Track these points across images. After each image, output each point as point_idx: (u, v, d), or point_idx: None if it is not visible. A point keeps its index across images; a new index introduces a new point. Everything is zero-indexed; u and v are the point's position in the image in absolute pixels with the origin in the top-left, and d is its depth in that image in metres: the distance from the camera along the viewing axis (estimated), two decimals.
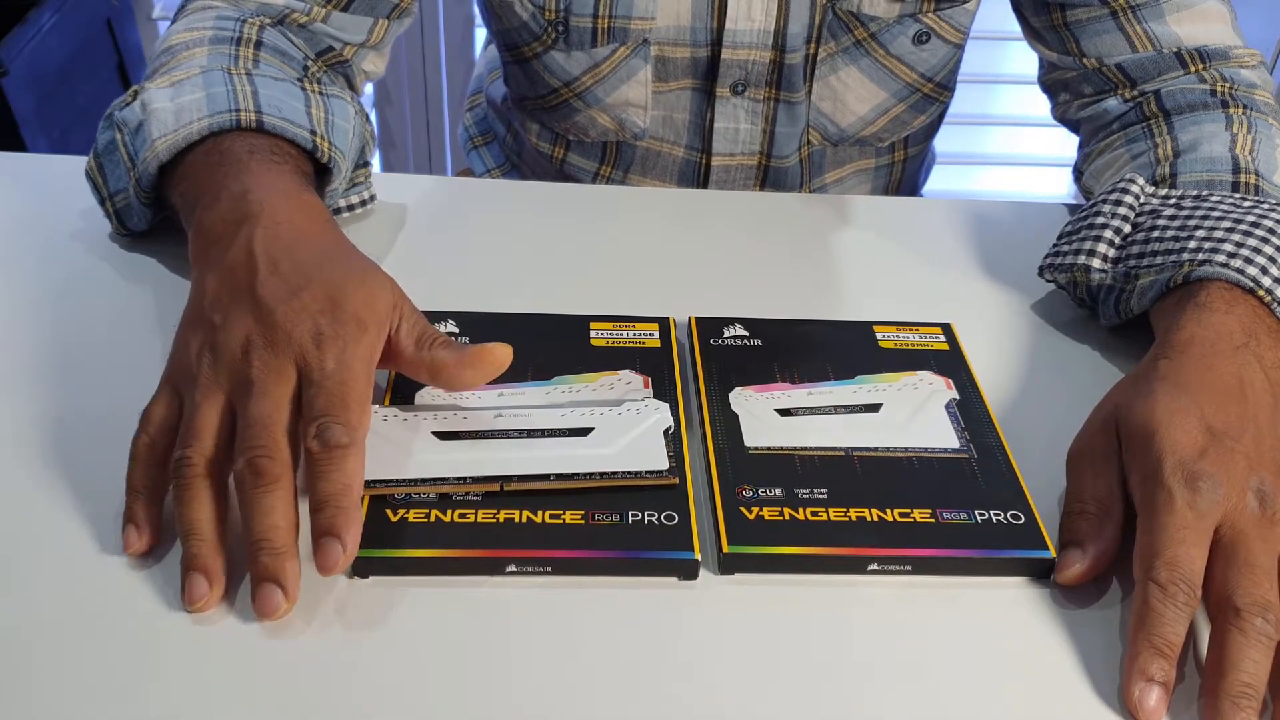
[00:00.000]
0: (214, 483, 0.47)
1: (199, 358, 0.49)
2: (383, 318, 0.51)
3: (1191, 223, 0.62)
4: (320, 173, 0.66)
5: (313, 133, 0.64)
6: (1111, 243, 0.64)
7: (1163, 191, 0.66)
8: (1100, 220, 0.65)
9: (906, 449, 0.54)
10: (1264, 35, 1.69)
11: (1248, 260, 0.58)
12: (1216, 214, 0.61)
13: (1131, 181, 0.66)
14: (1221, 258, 0.58)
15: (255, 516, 0.45)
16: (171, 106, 0.62)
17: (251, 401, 0.47)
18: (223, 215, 0.55)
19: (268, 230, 0.54)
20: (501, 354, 0.52)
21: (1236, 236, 0.59)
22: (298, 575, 0.45)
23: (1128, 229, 0.65)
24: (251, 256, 0.52)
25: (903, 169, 0.95)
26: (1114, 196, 0.66)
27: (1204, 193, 0.64)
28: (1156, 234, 0.63)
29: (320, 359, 0.48)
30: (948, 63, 0.86)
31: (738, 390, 0.57)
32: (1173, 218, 0.63)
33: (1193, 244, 0.60)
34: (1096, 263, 0.64)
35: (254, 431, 0.46)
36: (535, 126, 0.91)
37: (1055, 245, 0.67)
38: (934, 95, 0.88)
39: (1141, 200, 0.65)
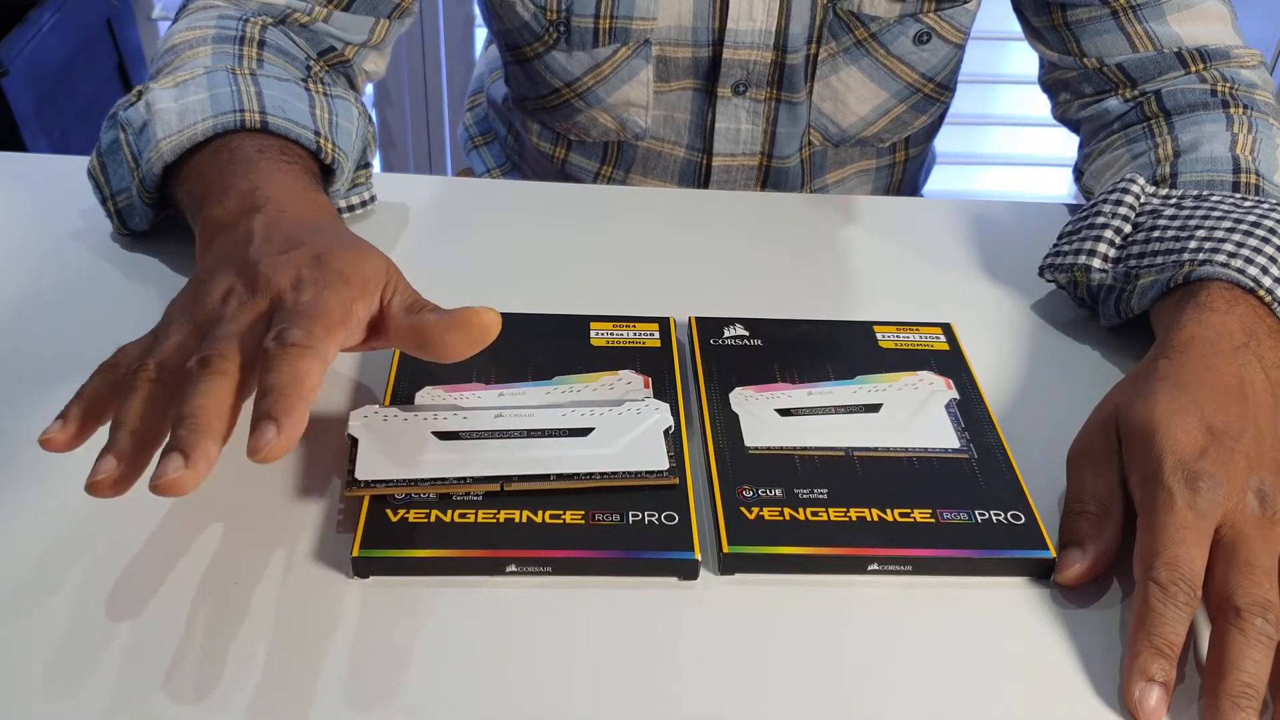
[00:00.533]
0: (161, 389, 0.44)
1: (181, 309, 0.49)
2: (369, 279, 0.50)
3: (1192, 223, 0.62)
4: (323, 173, 0.66)
5: (316, 133, 0.64)
6: (1112, 243, 0.64)
7: (1163, 191, 0.66)
8: (1100, 220, 0.65)
9: (906, 449, 0.54)
10: (1264, 35, 1.69)
11: (1248, 260, 0.58)
12: (1217, 214, 0.61)
13: (1132, 181, 0.66)
14: (1222, 257, 0.58)
15: (185, 399, 0.42)
16: (176, 107, 0.62)
17: (218, 325, 0.46)
18: (230, 209, 0.55)
19: (271, 216, 0.54)
20: (487, 318, 0.49)
21: (1237, 236, 0.59)
22: (211, 457, 0.41)
23: (1128, 229, 0.65)
24: (249, 233, 0.52)
25: (904, 170, 0.96)
26: (1114, 196, 0.66)
27: (1204, 193, 0.64)
28: (1157, 234, 0.63)
29: (295, 295, 0.47)
30: (948, 63, 0.86)
31: (738, 390, 0.57)
32: (1173, 218, 0.63)
33: (1193, 244, 0.60)
34: (1097, 263, 0.64)
35: (213, 340, 0.45)
36: (536, 126, 0.91)
37: (1055, 245, 0.67)
38: (935, 96, 0.88)
39: (1142, 200, 0.65)
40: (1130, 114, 0.75)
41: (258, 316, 0.47)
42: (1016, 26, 0.85)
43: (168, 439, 0.42)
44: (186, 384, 0.43)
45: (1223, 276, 0.57)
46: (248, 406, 0.44)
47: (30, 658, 0.43)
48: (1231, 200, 0.63)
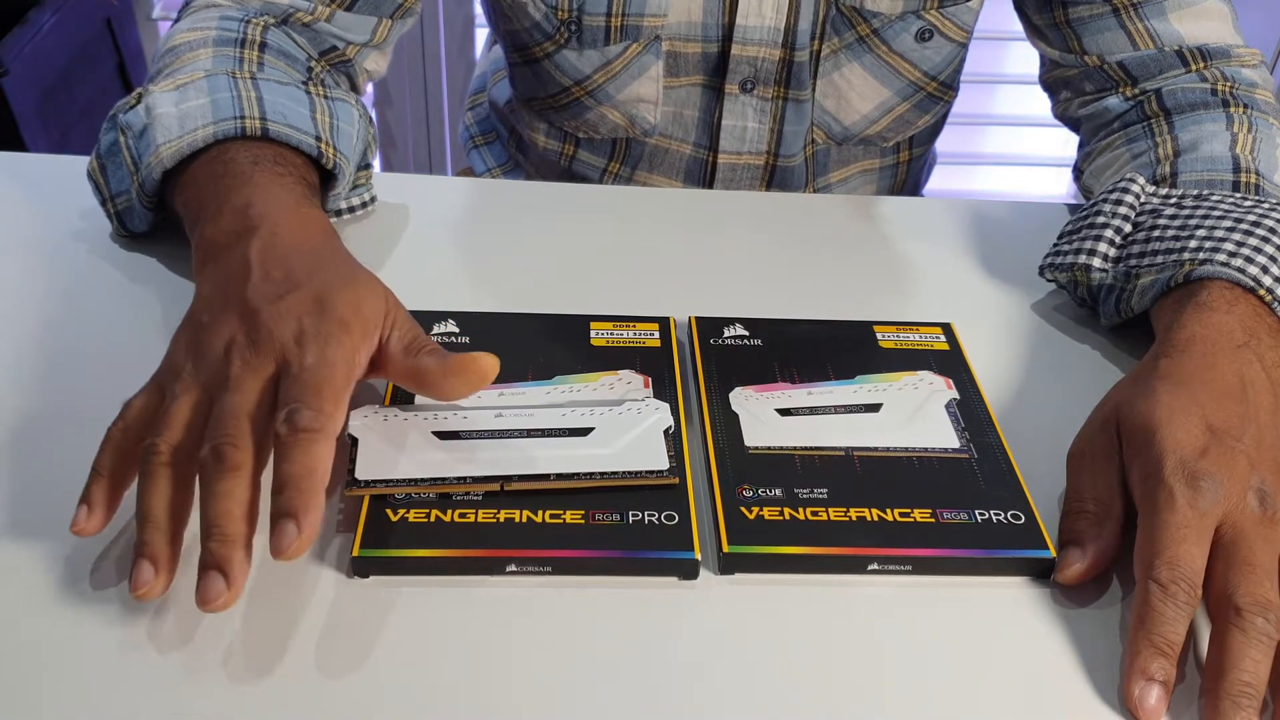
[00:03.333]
0: (178, 473, 0.46)
1: (184, 357, 0.49)
2: (369, 321, 0.51)
3: (1192, 222, 0.62)
4: (324, 177, 0.66)
5: (317, 139, 0.64)
6: (1112, 242, 0.64)
7: (1163, 191, 0.66)
8: (1101, 220, 0.65)
9: (906, 449, 0.54)
10: (1264, 35, 1.69)
11: (1248, 260, 0.58)
12: (1217, 213, 0.61)
13: (1132, 181, 0.66)
14: (1222, 257, 0.58)
15: (210, 501, 0.44)
16: (176, 112, 0.62)
17: (225, 395, 0.47)
18: (224, 228, 0.56)
19: (265, 240, 0.54)
20: (486, 364, 0.50)
21: (1237, 236, 0.59)
22: (245, 567, 0.44)
23: (1128, 228, 0.65)
24: (246, 264, 0.52)
25: (906, 170, 0.96)
26: (1114, 196, 0.66)
27: (1204, 192, 0.64)
28: (1157, 233, 0.63)
29: (300, 355, 0.48)
30: (951, 61, 0.86)
31: (738, 390, 0.57)
32: (1173, 217, 0.63)
33: (1193, 243, 0.60)
34: (1097, 262, 0.64)
35: (222, 420, 0.46)
36: (543, 126, 0.91)
37: (1056, 245, 0.67)
38: (938, 95, 0.88)
39: (1142, 200, 0.65)
40: (1130, 113, 0.75)
41: (264, 382, 0.48)
42: (1017, 26, 0.85)
43: (202, 550, 0.43)
44: (205, 478, 0.45)
45: (1223, 276, 0.57)
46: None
47: (32, 658, 0.43)
48: (1232, 200, 0.63)
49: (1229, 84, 0.73)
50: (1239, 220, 0.60)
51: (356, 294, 0.51)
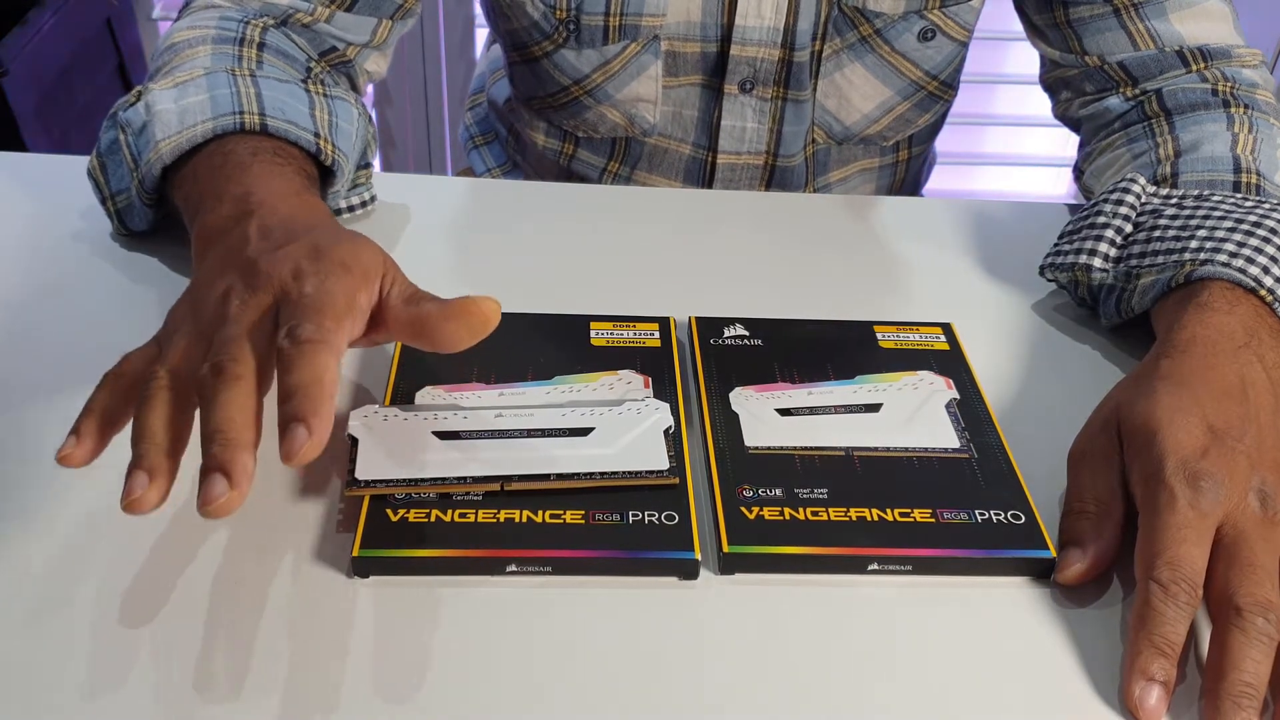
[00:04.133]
0: (177, 396, 0.44)
1: (182, 316, 0.49)
2: (369, 268, 0.50)
3: (1193, 222, 0.62)
4: (323, 175, 0.66)
5: (316, 135, 0.64)
6: (1113, 242, 0.64)
7: (1164, 191, 0.66)
8: (1101, 220, 0.65)
9: (906, 449, 0.54)
10: (1264, 35, 1.69)
11: (1249, 260, 0.58)
12: (1218, 214, 0.61)
13: (1133, 181, 0.66)
14: (1223, 257, 0.58)
15: (211, 410, 0.42)
16: (175, 109, 0.62)
17: (224, 327, 0.46)
18: (224, 214, 0.55)
19: (263, 218, 0.54)
20: (487, 307, 0.49)
21: (1238, 236, 0.59)
22: (249, 471, 0.41)
23: (1129, 228, 0.65)
24: (245, 236, 0.52)
25: (906, 169, 0.96)
26: (1115, 196, 0.66)
27: (1205, 193, 0.64)
28: (1158, 234, 0.63)
29: (299, 286, 0.47)
30: (952, 61, 0.86)
31: (738, 390, 0.57)
32: (1174, 217, 0.63)
33: (1194, 244, 0.60)
34: (1098, 262, 0.64)
35: (220, 344, 0.45)
36: (543, 125, 0.91)
37: (1056, 245, 0.67)
38: (938, 94, 0.88)
39: (1143, 200, 0.65)
40: (1131, 113, 0.75)
41: (262, 312, 0.47)
42: (1016, 26, 0.85)
43: (203, 457, 0.42)
44: (205, 393, 0.43)
45: (1224, 276, 0.57)
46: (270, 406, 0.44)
47: (34, 660, 0.43)
48: (1232, 200, 0.63)
49: (1230, 84, 0.73)
50: (1240, 221, 0.60)
51: (354, 245, 0.51)
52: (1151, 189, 0.66)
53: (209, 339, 0.46)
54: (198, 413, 0.44)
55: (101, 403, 0.45)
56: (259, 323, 0.46)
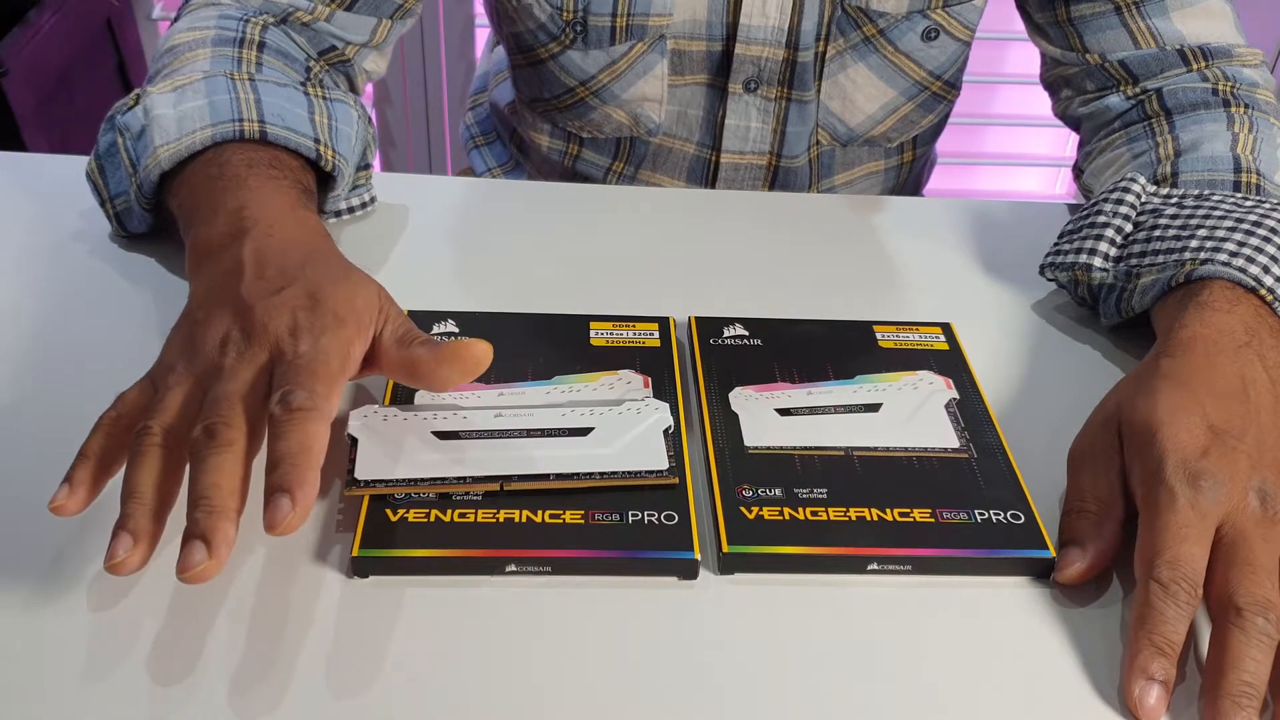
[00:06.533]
0: (169, 455, 0.45)
1: (179, 354, 0.49)
2: (363, 315, 0.51)
3: (1193, 222, 0.62)
4: (324, 179, 0.66)
5: (316, 141, 0.64)
6: (1113, 241, 0.64)
7: (1164, 191, 0.66)
8: (1102, 219, 0.65)
9: (906, 449, 0.54)
10: (1264, 35, 1.69)
11: (1249, 260, 0.58)
12: (1218, 213, 0.61)
13: (1133, 181, 0.66)
14: (1223, 256, 0.58)
15: (199, 475, 0.43)
16: (174, 114, 0.62)
17: (219, 383, 0.47)
18: (218, 230, 0.56)
19: (259, 241, 0.54)
20: (479, 350, 0.50)
21: (1238, 236, 0.59)
22: (229, 539, 0.42)
23: (1129, 228, 0.65)
24: (239, 263, 0.52)
25: (909, 170, 0.96)
26: (1115, 195, 0.66)
27: (1205, 192, 0.64)
28: (1158, 233, 0.63)
29: (294, 345, 0.48)
30: (955, 60, 0.86)
31: (738, 390, 0.57)
32: (1174, 217, 0.63)
33: (1194, 243, 0.60)
34: (1098, 261, 0.64)
35: (215, 403, 0.45)
36: (547, 127, 0.91)
37: (1056, 244, 0.67)
38: (942, 94, 0.88)
39: (1143, 199, 0.65)
40: (1131, 112, 0.75)
41: (258, 371, 0.48)
42: (1017, 26, 0.84)
43: (188, 521, 0.42)
44: (196, 454, 0.44)
45: (1224, 276, 0.57)
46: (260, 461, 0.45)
47: (33, 660, 0.43)
48: (1233, 200, 0.63)
49: (1230, 84, 0.73)
50: (1240, 220, 0.60)
51: (351, 289, 0.51)
52: (1151, 189, 0.66)
53: (204, 390, 0.47)
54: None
55: (96, 449, 0.46)
56: (254, 382, 0.47)
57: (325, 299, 0.50)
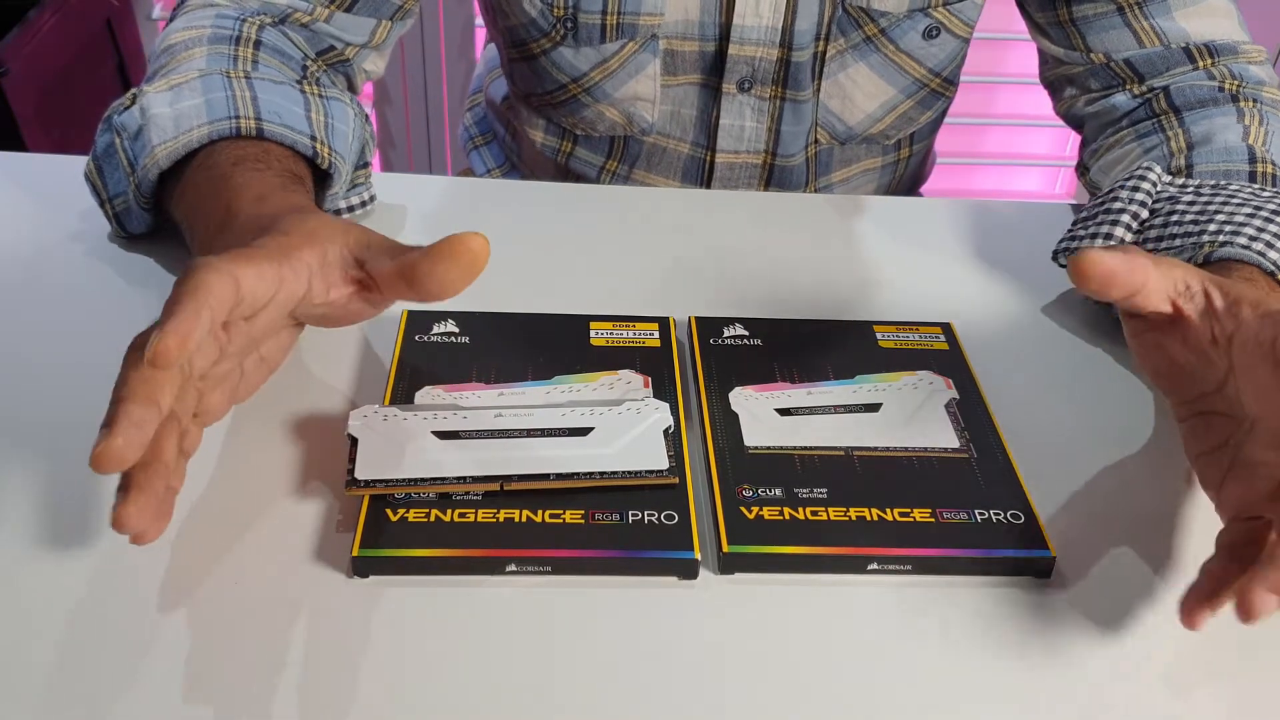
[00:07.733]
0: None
1: None
2: (316, 232, 0.49)
3: (1211, 208, 0.61)
4: (321, 177, 0.66)
5: (313, 138, 0.64)
6: (1129, 226, 0.64)
7: (1180, 180, 0.65)
8: (1118, 205, 0.65)
9: (906, 449, 0.54)
10: (1264, 35, 1.69)
11: (1269, 244, 0.57)
12: (1237, 200, 0.61)
13: (1149, 169, 0.66)
14: (1243, 240, 0.58)
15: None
16: (171, 113, 0.62)
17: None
18: (212, 233, 0.56)
19: (245, 216, 0.54)
20: (475, 242, 0.47)
21: (1257, 222, 0.59)
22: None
23: (1145, 214, 0.64)
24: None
25: (906, 166, 0.96)
26: (1131, 183, 0.65)
27: (1222, 181, 0.64)
28: (1175, 218, 0.62)
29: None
30: (955, 57, 0.86)
31: (738, 390, 0.57)
32: (1191, 203, 0.63)
33: (1213, 226, 0.60)
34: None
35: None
36: (541, 122, 0.91)
37: (1070, 230, 0.67)
38: (940, 91, 0.88)
39: (1159, 188, 0.65)
40: (1138, 110, 0.75)
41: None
42: (1016, 26, 0.84)
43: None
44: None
45: (1244, 258, 0.57)
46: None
47: (33, 660, 0.43)
48: (1250, 189, 0.63)
49: (1237, 81, 0.73)
50: (1259, 208, 0.60)
51: (312, 218, 0.51)
52: (1167, 178, 0.66)
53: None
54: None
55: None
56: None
57: (280, 222, 0.50)
